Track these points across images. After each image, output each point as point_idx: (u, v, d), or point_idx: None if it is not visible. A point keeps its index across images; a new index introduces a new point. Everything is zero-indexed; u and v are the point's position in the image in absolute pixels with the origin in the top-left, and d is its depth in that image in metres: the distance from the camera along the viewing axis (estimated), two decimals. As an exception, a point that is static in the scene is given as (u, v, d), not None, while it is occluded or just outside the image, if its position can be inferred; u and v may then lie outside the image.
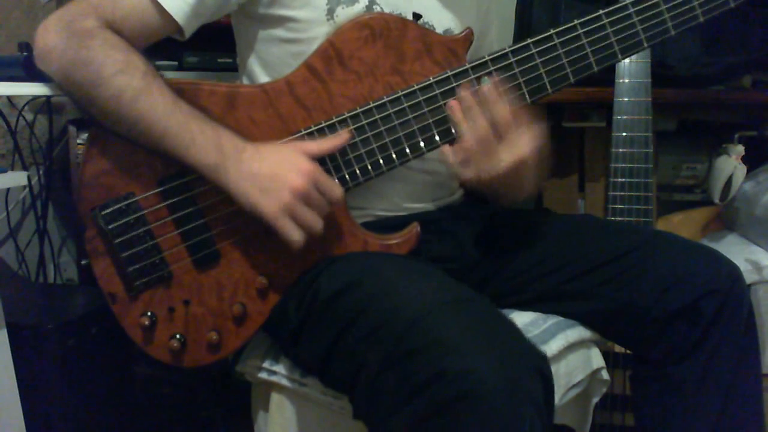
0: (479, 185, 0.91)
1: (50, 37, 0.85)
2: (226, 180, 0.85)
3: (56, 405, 1.16)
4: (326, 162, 0.90)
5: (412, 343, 0.71)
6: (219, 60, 1.49)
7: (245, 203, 0.85)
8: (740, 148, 1.51)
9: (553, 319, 1.02)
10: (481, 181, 0.90)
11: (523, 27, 1.55)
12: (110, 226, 0.89)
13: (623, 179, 1.30)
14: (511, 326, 0.76)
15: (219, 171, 0.85)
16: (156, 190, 0.90)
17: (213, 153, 0.85)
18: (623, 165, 1.30)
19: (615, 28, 0.93)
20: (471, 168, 0.89)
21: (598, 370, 1.04)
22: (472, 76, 0.92)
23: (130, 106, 0.84)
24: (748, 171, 1.52)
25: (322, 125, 0.91)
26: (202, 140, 0.85)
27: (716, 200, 1.53)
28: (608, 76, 1.30)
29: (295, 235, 0.85)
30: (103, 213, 0.89)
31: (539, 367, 0.71)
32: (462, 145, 0.89)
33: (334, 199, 0.87)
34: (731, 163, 1.50)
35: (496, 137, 0.88)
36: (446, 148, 0.91)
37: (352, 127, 0.91)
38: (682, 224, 1.59)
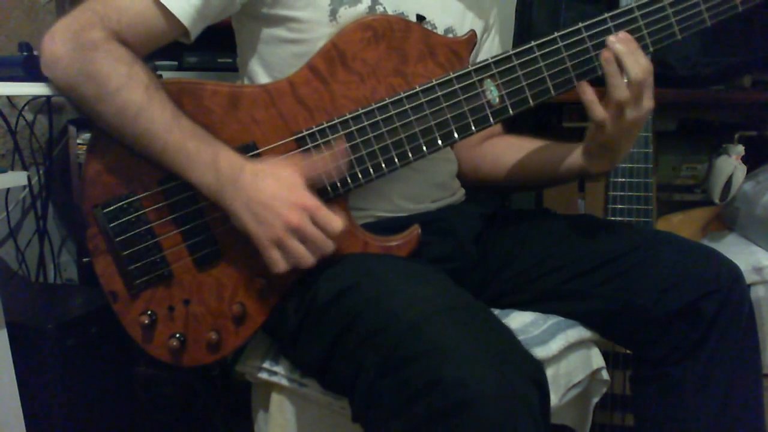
0: (612, 142, 0.95)
1: (57, 48, 0.84)
2: (224, 203, 0.85)
3: (56, 405, 1.16)
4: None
5: (410, 349, 0.71)
6: (219, 60, 1.49)
7: (239, 227, 0.86)
8: (740, 148, 1.52)
9: (553, 319, 1.02)
10: (620, 134, 0.93)
11: (523, 27, 1.55)
12: (111, 224, 0.89)
13: (623, 179, 1.30)
14: (508, 333, 0.76)
15: (216, 192, 0.85)
16: (157, 189, 0.90)
17: (210, 174, 0.85)
18: (623, 165, 1.30)
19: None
20: (620, 120, 0.91)
21: (598, 370, 1.04)
22: (475, 79, 0.92)
23: (132, 122, 0.84)
24: (748, 171, 1.52)
25: (324, 126, 0.91)
26: (199, 160, 0.85)
27: (716, 200, 1.53)
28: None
29: (279, 266, 0.84)
30: (104, 211, 0.89)
31: (535, 375, 0.71)
32: (617, 96, 0.90)
33: (332, 233, 0.84)
34: (731, 163, 1.50)
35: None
36: (604, 119, 0.91)
37: (353, 128, 0.91)
38: (682, 224, 1.59)
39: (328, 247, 0.85)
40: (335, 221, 0.84)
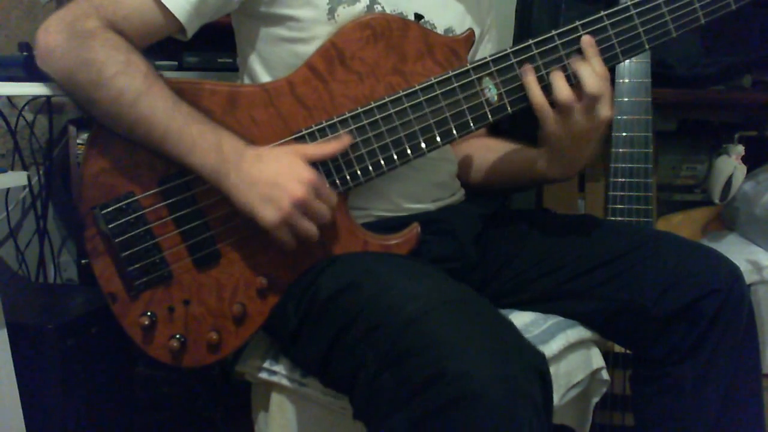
0: (561, 145, 0.94)
1: (51, 38, 0.84)
2: (227, 184, 0.85)
3: (56, 405, 1.16)
4: (327, 162, 0.90)
5: (410, 343, 0.71)
6: (219, 60, 1.49)
7: (244, 209, 0.86)
8: (740, 148, 1.51)
9: (553, 319, 1.02)
10: (570, 138, 0.92)
11: (523, 27, 1.55)
12: (110, 226, 0.89)
13: (623, 179, 1.30)
14: (510, 326, 0.76)
15: (219, 175, 0.85)
16: (156, 190, 0.90)
17: (213, 156, 0.85)
18: (623, 165, 1.30)
19: (616, 30, 0.93)
20: (569, 122, 0.91)
21: (598, 370, 1.04)
22: (473, 77, 0.92)
23: (131, 107, 0.84)
24: (748, 171, 1.52)
25: (323, 125, 0.91)
26: (202, 143, 0.85)
27: (716, 200, 1.53)
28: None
29: (291, 243, 0.87)
30: (103, 212, 0.89)
31: (538, 367, 0.71)
32: (560, 96, 0.90)
33: (333, 205, 0.88)
34: (731, 163, 1.50)
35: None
36: (542, 104, 0.91)
37: (353, 126, 0.91)
38: (682, 224, 1.59)
39: (327, 219, 0.88)
40: (333, 193, 0.88)
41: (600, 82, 0.89)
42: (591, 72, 0.89)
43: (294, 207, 0.84)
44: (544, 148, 0.99)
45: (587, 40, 0.91)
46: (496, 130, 1.18)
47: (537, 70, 0.92)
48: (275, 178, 0.84)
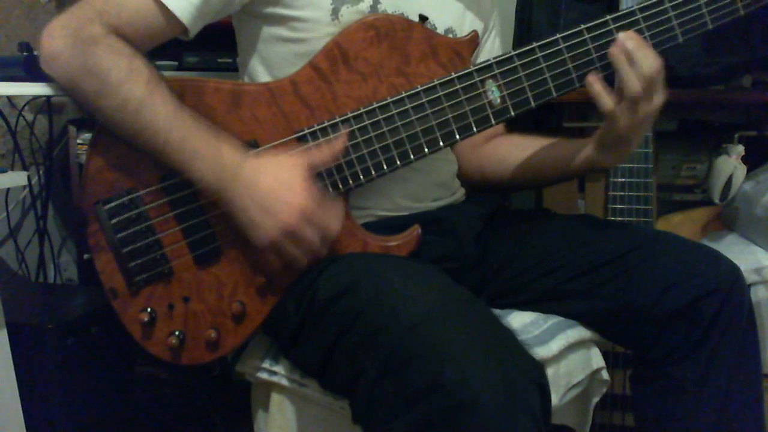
0: (622, 137, 0.94)
1: (56, 44, 0.84)
2: (223, 199, 0.86)
3: (56, 405, 1.16)
4: (328, 162, 0.91)
5: (410, 349, 0.71)
6: (219, 60, 1.49)
7: (240, 225, 0.86)
8: (740, 148, 1.51)
9: (553, 319, 1.02)
10: (631, 126, 0.92)
11: (523, 27, 1.55)
12: (112, 221, 0.89)
13: (623, 179, 1.30)
14: (508, 333, 0.76)
15: (217, 189, 0.86)
16: (158, 186, 0.90)
17: (212, 172, 0.85)
18: (623, 165, 1.30)
19: None
20: (633, 113, 0.91)
21: (598, 370, 1.04)
22: (477, 79, 0.92)
23: (134, 116, 0.84)
24: (748, 171, 1.52)
25: (325, 125, 0.91)
26: (202, 157, 0.85)
27: (716, 200, 1.53)
28: (609, 76, 1.29)
29: (274, 265, 0.88)
30: (105, 208, 0.89)
31: (536, 376, 0.71)
32: (629, 89, 0.90)
33: (329, 237, 0.87)
34: (731, 163, 1.50)
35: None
36: (607, 102, 0.91)
37: (355, 126, 0.91)
38: (682, 224, 1.59)
39: (321, 252, 0.87)
40: (332, 225, 0.87)
41: (655, 65, 0.90)
42: (645, 56, 0.90)
43: (282, 234, 0.84)
44: (603, 139, 0.98)
45: (634, 34, 0.91)
46: (515, 128, 1.17)
47: (541, 73, 0.92)
48: (268, 201, 0.84)
